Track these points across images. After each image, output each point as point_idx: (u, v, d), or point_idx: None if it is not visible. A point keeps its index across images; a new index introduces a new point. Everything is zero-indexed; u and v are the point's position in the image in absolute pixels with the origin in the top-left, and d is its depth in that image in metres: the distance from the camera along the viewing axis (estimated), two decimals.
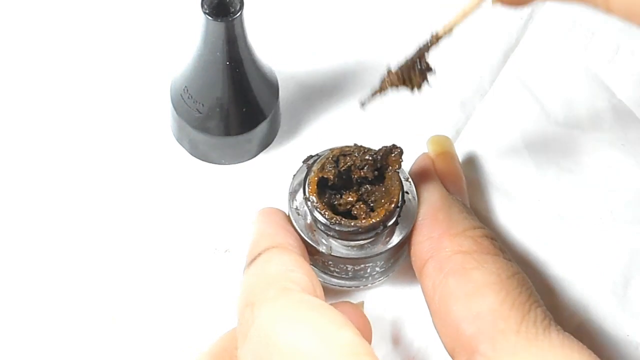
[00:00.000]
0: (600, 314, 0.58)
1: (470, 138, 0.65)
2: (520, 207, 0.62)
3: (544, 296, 0.54)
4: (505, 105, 0.66)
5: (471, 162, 0.64)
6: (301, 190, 0.55)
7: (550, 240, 0.61)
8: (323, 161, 0.54)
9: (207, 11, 0.56)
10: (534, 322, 0.50)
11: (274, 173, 0.63)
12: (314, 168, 0.54)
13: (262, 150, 0.64)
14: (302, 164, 0.56)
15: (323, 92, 0.66)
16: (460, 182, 0.59)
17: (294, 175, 0.56)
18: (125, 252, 0.60)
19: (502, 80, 0.67)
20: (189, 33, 0.60)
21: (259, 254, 0.51)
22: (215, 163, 0.63)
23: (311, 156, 0.56)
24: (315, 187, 0.54)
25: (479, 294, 0.51)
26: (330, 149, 0.55)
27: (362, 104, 0.51)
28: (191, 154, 0.63)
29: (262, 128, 0.62)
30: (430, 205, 0.55)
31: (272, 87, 0.62)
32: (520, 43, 0.68)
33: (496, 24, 0.68)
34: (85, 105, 0.65)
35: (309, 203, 0.53)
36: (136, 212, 0.61)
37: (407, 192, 0.55)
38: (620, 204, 0.62)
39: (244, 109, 0.61)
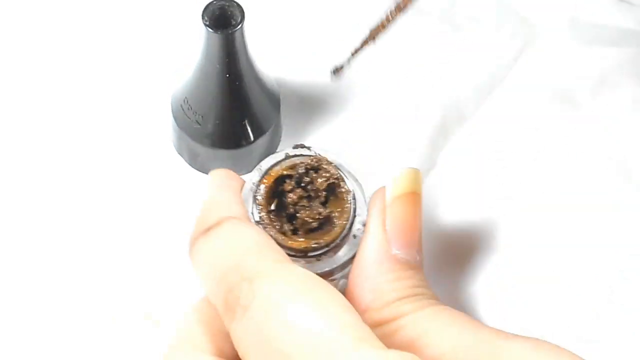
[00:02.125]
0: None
1: (467, 144, 0.65)
2: (518, 213, 0.62)
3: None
4: (504, 111, 0.66)
5: (468, 167, 0.64)
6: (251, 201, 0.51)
7: (547, 247, 0.61)
8: (277, 173, 0.52)
9: (207, 23, 0.55)
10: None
11: None
12: (266, 182, 0.52)
13: None
14: (255, 170, 0.52)
15: (325, 106, 0.66)
16: (414, 234, 0.51)
17: (251, 182, 0.52)
18: (124, 262, 0.60)
19: (502, 88, 0.66)
20: (191, 44, 0.59)
21: (218, 224, 0.48)
22: None
23: (270, 161, 0.52)
24: (265, 202, 0.51)
25: None
26: (285, 156, 0.52)
27: (336, 71, 0.49)
28: (190, 166, 0.63)
29: (262, 141, 0.62)
30: (362, 269, 0.50)
31: (274, 100, 0.62)
32: (509, 76, 0.67)
33: (484, 55, 0.68)
34: (86, 115, 0.65)
35: (256, 216, 0.51)
36: (135, 222, 0.61)
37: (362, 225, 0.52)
38: (616, 220, 0.62)
39: (244, 122, 0.60)
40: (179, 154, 0.63)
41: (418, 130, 0.65)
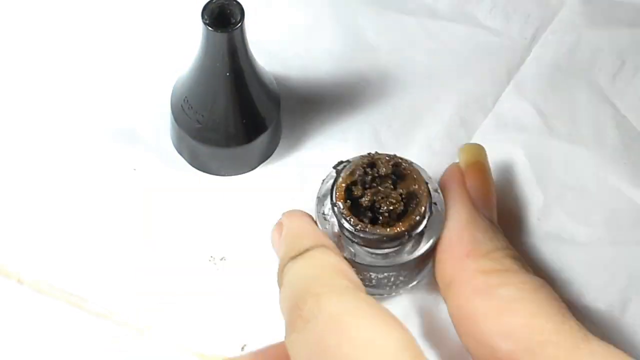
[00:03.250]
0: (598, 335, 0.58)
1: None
2: (519, 225, 0.62)
3: None
4: (508, 120, 0.65)
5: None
6: (329, 196, 0.55)
7: (547, 260, 0.61)
8: (353, 167, 0.55)
9: (207, 21, 0.55)
10: (570, 333, 0.49)
11: (274, 185, 0.63)
12: (343, 174, 0.55)
13: (262, 162, 0.64)
14: (332, 169, 0.56)
15: (326, 104, 0.66)
16: (490, 197, 0.57)
17: (323, 181, 0.56)
18: (122, 260, 0.60)
19: (505, 97, 0.66)
20: (191, 43, 0.59)
21: (307, 250, 0.51)
22: (215, 174, 0.63)
23: (341, 162, 0.56)
24: (343, 193, 0.54)
25: (509, 310, 0.51)
26: (361, 156, 0.55)
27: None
28: (190, 165, 0.63)
29: (262, 140, 0.62)
30: (456, 223, 0.55)
31: (274, 98, 0.62)
32: (526, 61, 0.67)
33: (500, 42, 0.68)
34: (86, 114, 0.65)
35: (335, 209, 0.54)
36: (134, 220, 0.61)
37: (435, 203, 0.54)
38: (620, 224, 0.62)
39: (244, 120, 0.60)
40: (179, 153, 0.63)
41: (434, 126, 0.65)
